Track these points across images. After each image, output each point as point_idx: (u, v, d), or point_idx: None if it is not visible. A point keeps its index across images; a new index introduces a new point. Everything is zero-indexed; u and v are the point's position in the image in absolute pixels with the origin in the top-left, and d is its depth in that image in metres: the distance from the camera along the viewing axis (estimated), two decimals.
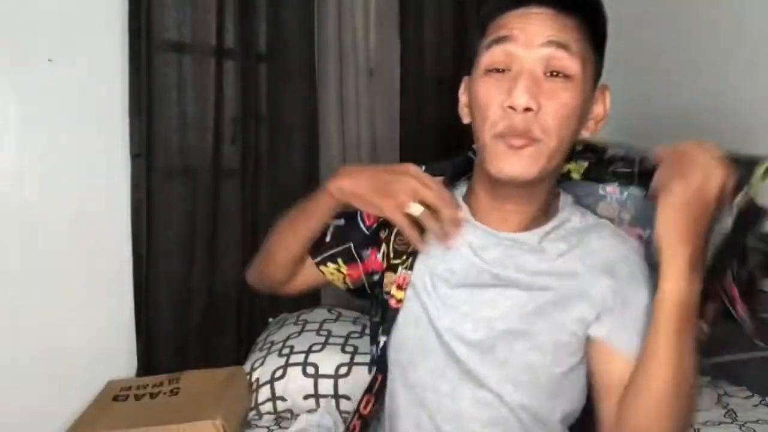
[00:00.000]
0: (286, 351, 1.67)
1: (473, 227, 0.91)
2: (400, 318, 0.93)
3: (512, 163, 0.82)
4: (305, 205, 0.96)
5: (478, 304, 0.89)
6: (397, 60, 2.12)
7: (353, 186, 0.88)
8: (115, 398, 1.57)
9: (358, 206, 0.89)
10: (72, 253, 1.64)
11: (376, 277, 0.99)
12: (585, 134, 0.88)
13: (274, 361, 1.65)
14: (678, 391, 0.78)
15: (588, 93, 0.85)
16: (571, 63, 0.80)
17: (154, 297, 1.74)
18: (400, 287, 0.93)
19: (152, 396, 1.57)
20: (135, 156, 1.69)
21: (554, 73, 0.81)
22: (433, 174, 0.92)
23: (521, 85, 0.79)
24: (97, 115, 1.66)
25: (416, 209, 0.83)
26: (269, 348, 1.71)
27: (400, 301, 0.93)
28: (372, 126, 2.12)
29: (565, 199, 0.93)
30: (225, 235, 1.85)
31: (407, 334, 0.93)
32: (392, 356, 0.95)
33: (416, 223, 0.86)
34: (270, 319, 1.95)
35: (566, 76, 0.81)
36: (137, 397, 1.57)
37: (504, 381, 0.88)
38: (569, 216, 0.91)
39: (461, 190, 0.97)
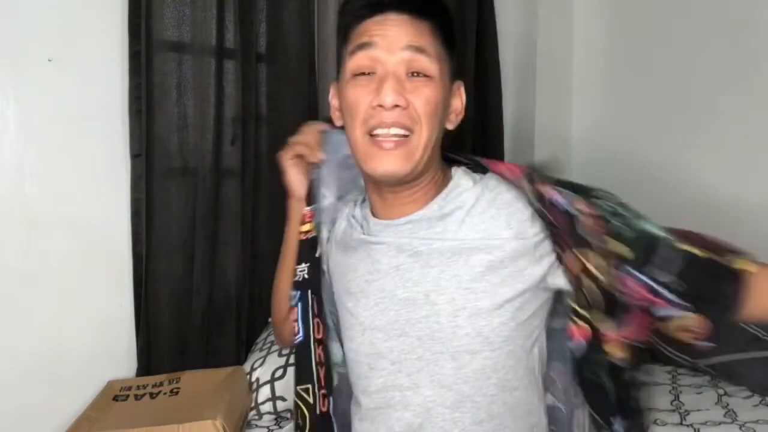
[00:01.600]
0: (286, 351, 1.67)
1: (375, 224, 0.97)
2: (348, 330, 0.97)
3: (385, 162, 0.88)
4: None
5: (410, 284, 0.91)
6: None
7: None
8: (115, 398, 1.57)
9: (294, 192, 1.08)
10: (72, 253, 1.64)
11: None
12: (449, 127, 0.96)
13: (274, 361, 1.66)
14: None
15: (447, 90, 0.92)
16: (429, 64, 0.88)
17: (153, 297, 1.74)
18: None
19: (152, 396, 1.57)
20: (135, 156, 1.69)
21: (415, 74, 0.88)
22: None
23: (388, 85, 0.87)
24: (97, 115, 1.66)
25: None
26: (269, 348, 1.71)
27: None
28: None
29: (455, 170, 0.98)
30: (225, 235, 1.85)
31: (359, 342, 0.95)
32: (352, 370, 0.97)
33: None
34: (270, 319, 1.95)
35: (426, 76, 0.88)
36: (137, 397, 1.57)
37: (460, 352, 0.88)
38: (459, 181, 0.96)
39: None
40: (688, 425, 1.56)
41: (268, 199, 1.95)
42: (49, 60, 1.58)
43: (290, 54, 1.95)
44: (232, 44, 1.83)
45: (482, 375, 0.88)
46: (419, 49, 0.87)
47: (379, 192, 0.96)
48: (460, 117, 0.98)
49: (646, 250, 0.83)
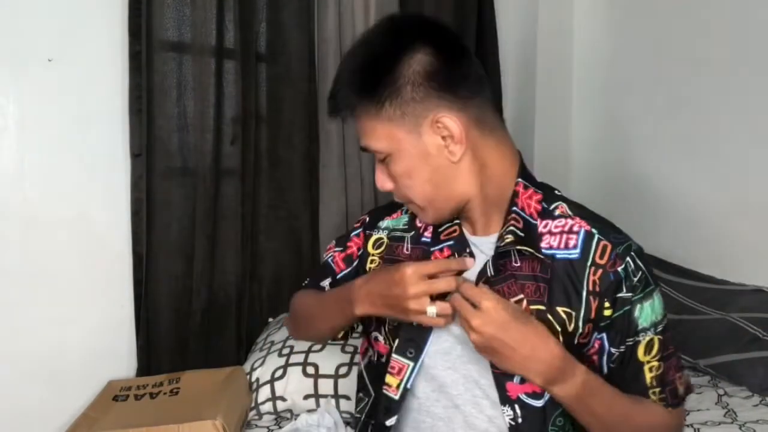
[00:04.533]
0: (286, 351, 1.67)
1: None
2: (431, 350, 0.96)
3: (421, 218, 0.98)
4: (332, 310, 1.02)
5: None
6: None
7: (375, 311, 0.94)
8: (115, 398, 1.57)
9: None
10: (72, 253, 1.64)
11: None
12: (453, 159, 0.90)
13: (274, 361, 1.65)
14: None
15: (415, 144, 0.89)
16: (377, 146, 0.91)
17: (154, 297, 1.74)
18: None
19: (152, 396, 1.57)
20: (135, 156, 1.69)
21: (382, 159, 0.92)
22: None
23: (376, 177, 0.95)
24: (97, 115, 1.66)
25: (431, 311, 0.87)
26: (269, 348, 1.71)
27: None
28: None
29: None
30: (225, 235, 1.85)
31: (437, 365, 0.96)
32: (420, 390, 0.97)
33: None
34: (270, 319, 1.95)
35: (387, 155, 0.91)
36: (137, 397, 1.57)
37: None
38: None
39: None
40: (688, 425, 1.56)
41: (268, 199, 1.95)
42: (49, 60, 1.58)
43: (290, 54, 1.95)
44: (232, 44, 1.83)
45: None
46: (364, 149, 0.93)
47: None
48: (461, 144, 0.89)
49: None
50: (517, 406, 0.89)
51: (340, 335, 1.09)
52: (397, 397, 0.95)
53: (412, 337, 0.95)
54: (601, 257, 0.89)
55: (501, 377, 0.90)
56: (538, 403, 0.89)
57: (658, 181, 2.34)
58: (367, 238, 1.06)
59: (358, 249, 1.07)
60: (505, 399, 0.90)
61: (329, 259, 1.11)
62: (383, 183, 0.94)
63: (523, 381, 0.89)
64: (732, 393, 1.74)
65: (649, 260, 0.92)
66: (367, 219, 1.09)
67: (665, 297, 2.21)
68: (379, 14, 2.09)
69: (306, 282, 1.16)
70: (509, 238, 0.90)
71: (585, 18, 2.63)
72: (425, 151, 0.90)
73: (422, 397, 0.95)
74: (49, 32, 1.58)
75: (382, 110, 0.88)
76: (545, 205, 0.94)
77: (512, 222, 0.91)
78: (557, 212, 0.94)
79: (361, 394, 1.06)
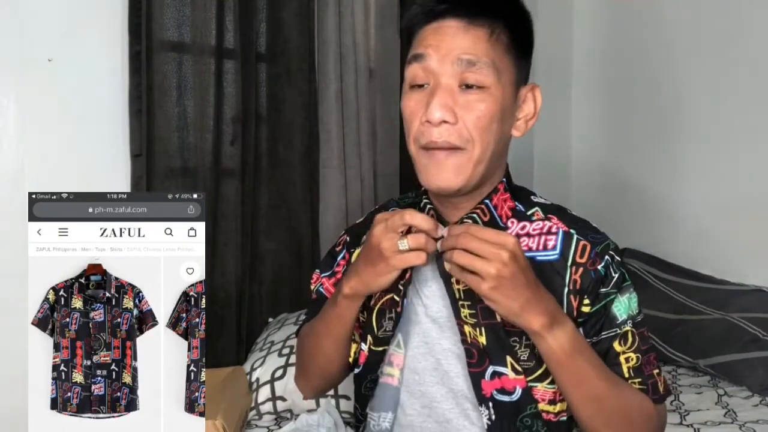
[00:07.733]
0: (286, 351, 1.67)
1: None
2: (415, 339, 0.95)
3: (436, 175, 0.87)
4: (328, 314, 0.97)
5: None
6: (397, 60, 2.12)
7: (359, 281, 0.89)
8: None
9: (377, 289, 0.90)
10: None
11: None
12: (516, 134, 0.92)
13: (274, 361, 1.66)
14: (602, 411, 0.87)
15: (508, 97, 0.88)
16: (483, 76, 0.85)
17: None
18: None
19: None
20: (135, 156, 1.69)
21: (469, 86, 0.85)
22: (408, 197, 1.02)
23: (436, 100, 0.84)
24: (97, 115, 1.66)
25: (402, 245, 0.84)
26: (269, 348, 1.71)
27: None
28: (372, 126, 2.12)
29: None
30: (225, 235, 1.85)
31: (420, 359, 0.95)
32: (409, 407, 0.96)
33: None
34: (270, 319, 1.95)
35: (481, 88, 0.85)
36: None
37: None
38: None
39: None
40: (688, 425, 1.56)
41: (268, 199, 1.96)
42: (49, 60, 1.58)
43: (290, 54, 1.95)
44: (232, 44, 1.83)
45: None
46: (471, 62, 0.84)
47: (438, 199, 0.95)
48: (532, 123, 0.93)
49: None
50: (491, 404, 0.89)
51: (350, 357, 1.02)
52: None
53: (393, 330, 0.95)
54: (581, 256, 0.89)
55: (476, 375, 0.89)
56: (508, 399, 0.89)
57: (657, 181, 2.35)
58: (351, 255, 1.03)
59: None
60: (482, 398, 0.89)
61: (320, 288, 1.06)
62: (446, 112, 0.84)
63: (492, 377, 0.89)
64: (732, 393, 1.74)
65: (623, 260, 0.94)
66: (348, 238, 1.06)
67: (665, 297, 2.23)
68: (379, 14, 2.09)
69: (304, 319, 1.11)
70: (467, 221, 0.90)
71: (585, 18, 2.64)
72: (509, 110, 0.89)
73: (413, 414, 0.94)
74: (49, 32, 1.58)
75: (518, 45, 0.89)
76: (521, 208, 0.94)
77: (477, 212, 0.91)
78: (534, 217, 0.94)
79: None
